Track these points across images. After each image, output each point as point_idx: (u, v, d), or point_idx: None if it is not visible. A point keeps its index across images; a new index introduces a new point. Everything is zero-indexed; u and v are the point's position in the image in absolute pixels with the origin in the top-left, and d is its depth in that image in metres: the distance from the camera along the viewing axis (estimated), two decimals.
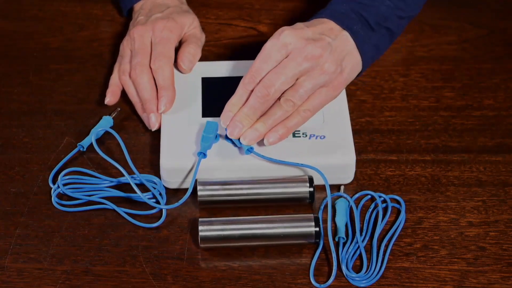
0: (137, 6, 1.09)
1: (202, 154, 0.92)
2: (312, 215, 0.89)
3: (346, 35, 0.95)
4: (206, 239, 0.88)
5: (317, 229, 0.88)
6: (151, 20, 1.03)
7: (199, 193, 0.91)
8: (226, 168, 0.93)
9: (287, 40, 0.91)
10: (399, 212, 0.93)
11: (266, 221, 0.89)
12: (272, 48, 0.92)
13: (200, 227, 0.88)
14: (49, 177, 0.95)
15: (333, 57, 0.92)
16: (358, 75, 0.98)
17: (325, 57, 0.91)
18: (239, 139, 0.91)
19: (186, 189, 0.91)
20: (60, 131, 1.01)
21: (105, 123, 0.99)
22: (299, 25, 0.94)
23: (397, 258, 0.89)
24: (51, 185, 0.95)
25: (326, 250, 0.89)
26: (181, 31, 1.04)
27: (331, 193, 0.92)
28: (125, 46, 1.04)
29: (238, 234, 0.88)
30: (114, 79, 1.03)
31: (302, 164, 0.92)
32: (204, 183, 0.92)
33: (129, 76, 1.00)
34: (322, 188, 0.94)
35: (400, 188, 0.95)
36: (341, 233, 0.89)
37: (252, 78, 0.91)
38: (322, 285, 0.86)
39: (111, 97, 1.01)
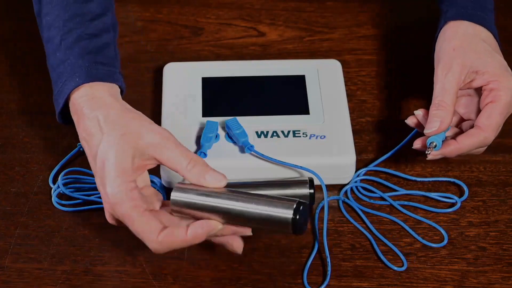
0: (75, 115, 0.85)
1: (203, 154, 0.92)
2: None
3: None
4: (177, 203, 0.81)
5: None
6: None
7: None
8: (226, 168, 0.92)
9: None
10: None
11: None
12: None
13: (172, 193, 0.81)
14: (49, 177, 0.95)
15: None
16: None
17: None
18: None
19: None
20: (60, 131, 1.01)
21: None
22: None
23: (397, 258, 0.89)
24: (51, 185, 0.95)
25: (320, 251, 0.90)
26: None
27: (331, 194, 0.92)
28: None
29: (211, 206, 0.80)
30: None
31: (300, 166, 0.92)
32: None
33: None
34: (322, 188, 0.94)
35: (400, 188, 0.95)
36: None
37: None
38: None
39: None
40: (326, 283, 0.86)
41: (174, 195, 0.80)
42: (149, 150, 0.81)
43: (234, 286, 0.87)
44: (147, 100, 1.05)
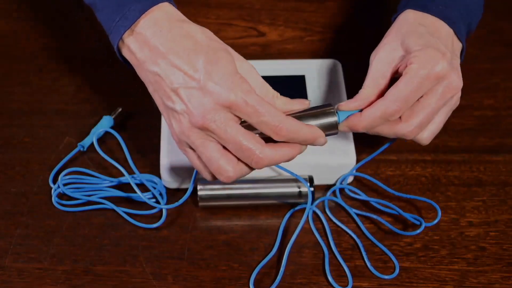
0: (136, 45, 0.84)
1: None
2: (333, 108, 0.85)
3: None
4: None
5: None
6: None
7: (199, 193, 0.91)
8: None
9: None
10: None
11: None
12: None
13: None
14: (49, 177, 0.95)
15: None
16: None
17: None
18: None
19: (186, 189, 0.91)
20: (60, 131, 1.01)
21: (106, 123, 0.99)
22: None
23: (397, 258, 0.89)
24: (52, 185, 0.95)
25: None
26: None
27: (327, 193, 0.92)
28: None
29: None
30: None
31: (293, 173, 0.92)
32: (205, 183, 0.92)
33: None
34: (322, 188, 0.94)
35: (400, 188, 0.95)
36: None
37: None
38: None
39: None
40: (276, 284, 0.86)
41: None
42: (243, 73, 0.81)
43: (234, 286, 0.87)
44: (148, 100, 1.05)
